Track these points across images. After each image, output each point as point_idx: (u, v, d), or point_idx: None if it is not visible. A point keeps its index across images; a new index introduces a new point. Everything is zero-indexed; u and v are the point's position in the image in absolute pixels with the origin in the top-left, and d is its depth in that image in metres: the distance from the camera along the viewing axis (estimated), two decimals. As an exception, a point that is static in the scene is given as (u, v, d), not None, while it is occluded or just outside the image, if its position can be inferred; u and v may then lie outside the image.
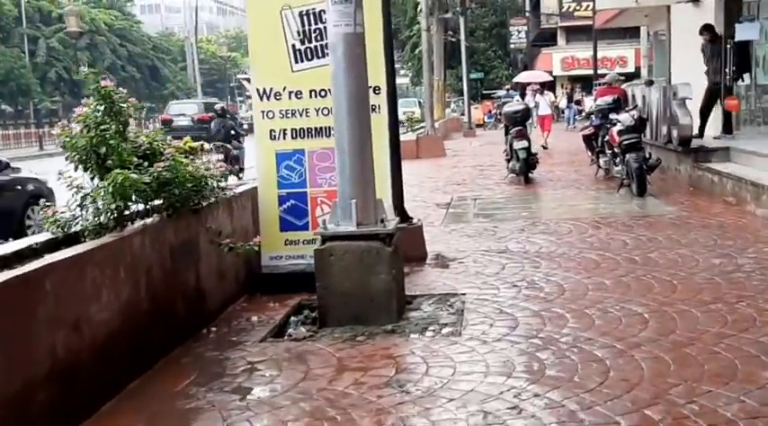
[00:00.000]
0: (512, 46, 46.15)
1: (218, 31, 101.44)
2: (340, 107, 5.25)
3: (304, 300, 5.77)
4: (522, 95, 23.78)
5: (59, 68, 50.82)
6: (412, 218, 7.31)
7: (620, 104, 11.90)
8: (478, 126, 34.44)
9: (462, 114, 41.17)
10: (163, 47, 61.73)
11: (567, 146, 21.06)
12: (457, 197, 11.65)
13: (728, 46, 11.46)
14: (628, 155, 10.43)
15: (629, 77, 36.37)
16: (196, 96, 63.28)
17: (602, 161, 12.48)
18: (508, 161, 13.31)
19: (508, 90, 37.33)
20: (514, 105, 13.38)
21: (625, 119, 10.75)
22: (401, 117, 30.86)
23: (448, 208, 10.47)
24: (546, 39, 44.06)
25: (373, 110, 6.24)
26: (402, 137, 20.85)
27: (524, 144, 12.65)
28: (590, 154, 13.41)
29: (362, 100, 5.26)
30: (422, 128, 20.38)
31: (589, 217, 8.98)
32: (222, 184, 5.40)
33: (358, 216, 5.18)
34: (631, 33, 40.48)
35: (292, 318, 5.54)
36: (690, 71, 12.53)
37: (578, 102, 23.02)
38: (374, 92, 6.25)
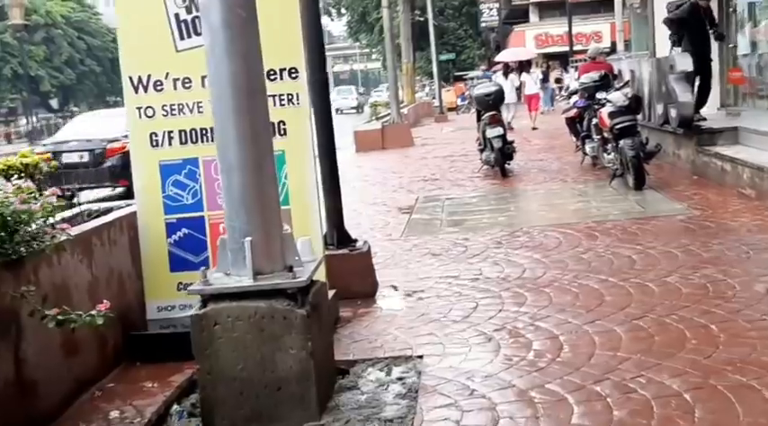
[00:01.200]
0: (483, 24, 44.37)
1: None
2: (220, 100, 3.50)
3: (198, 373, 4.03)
4: (506, 75, 22.03)
5: (14, 65, 48.32)
6: (355, 241, 5.57)
7: (608, 81, 10.20)
8: (451, 109, 32.71)
9: (434, 98, 39.49)
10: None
11: (546, 129, 19.39)
12: (423, 197, 9.93)
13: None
14: (622, 142, 8.75)
15: (608, 53, 34.86)
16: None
17: (588, 147, 10.81)
18: (481, 150, 11.60)
19: (485, 71, 35.59)
20: (486, 86, 11.61)
21: (617, 98, 9.06)
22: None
23: (411, 214, 8.74)
24: (518, 16, 42.29)
25: (289, 100, 4.54)
26: (366, 127, 19.13)
27: (499, 131, 10.95)
28: (574, 139, 11.74)
29: (254, 88, 3.51)
30: (388, 115, 18.60)
31: (581, 222, 7.30)
32: (53, 221, 3.61)
33: (255, 262, 3.45)
34: (606, 7, 38.96)
35: (174, 408, 3.82)
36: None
37: (558, 80, 21.29)
38: (289, 75, 4.54)
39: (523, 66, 25.23)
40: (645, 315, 4.46)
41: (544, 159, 12.78)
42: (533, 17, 42.58)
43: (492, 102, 11.15)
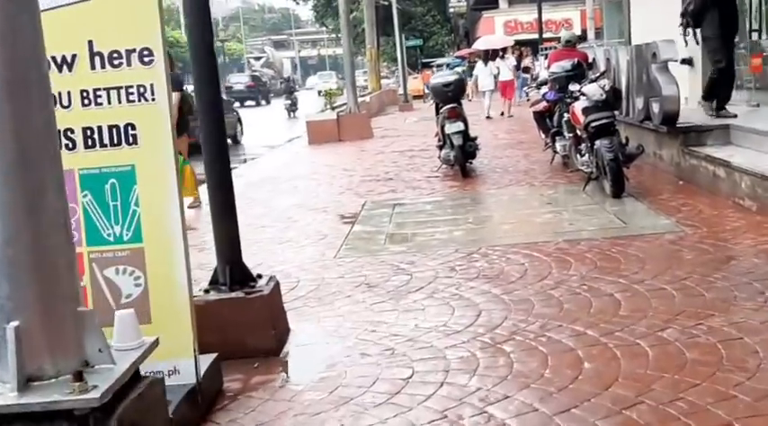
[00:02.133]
0: (451, 10, 43.12)
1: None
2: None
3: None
4: (485, 61, 20.97)
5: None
6: (255, 282, 4.22)
7: (581, 71, 8.94)
8: (417, 97, 31.41)
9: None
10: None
11: (513, 122, 18.16)
12: (371, 202, 8.60)
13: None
14: (598, 142, 7.50)
15: (580, 39, 33.71)
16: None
17: (559, 145, 9.56)
18: (440, 147, 10.28)
19: (457, 58, 34.36)
20: (444, 76, 10.22)
21: (592, 91, 7.79)
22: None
23: (354, 224, 7.42)
24: (487, 2, 40.91)
25: (141, 95, 3.20)
26: (320, 117, 17.73)
27: (459, 126, 9.64)
28: (543, 136, 10.47)
29: (22, 80, 2.16)
30: (343, 105, 17.20)
31: (551, 242, 6.02)
32: None
33: (28, 359, 2.11)
34: (576, -6, 38.08)
35: None
36: (656, 31, 9.61)
37: (527, 70, 20.00)
38: (141, 59, 3.19)
39: (497, 54, 24.04)
40: (639, 401, 3.19)
41: (510, 156, 11.51)
42: (503, 3, 41.29)
43: (451, 94, 9.81)
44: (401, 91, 28.10)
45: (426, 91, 34.76)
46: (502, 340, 4.01)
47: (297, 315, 4.70)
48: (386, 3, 32.11)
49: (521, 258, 5.60)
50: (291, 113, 30.09)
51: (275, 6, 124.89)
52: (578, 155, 8.36)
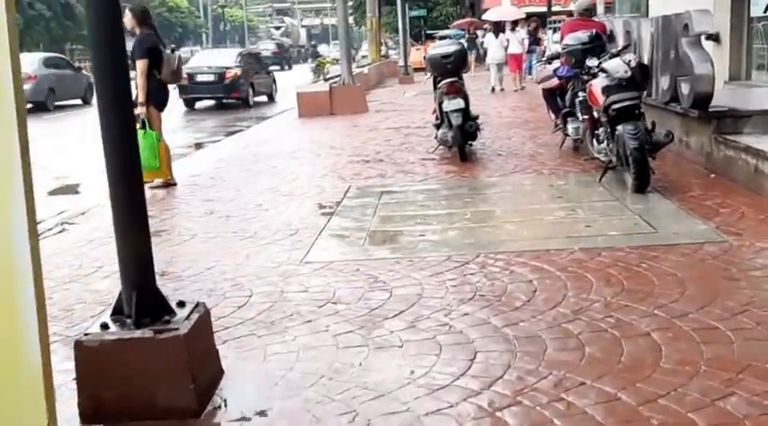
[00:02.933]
0: (457, -20, 41.49)
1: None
2: None
3: None
4: (496, 33, 19.79)
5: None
6: (172, 314, 3.10)
7: (600, 44, 7.76)
8: (419, 70, 30.09)
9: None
10: (76, -18, 55.15)
11: (519, 98, 16.96)
12: (356, 188, 7.49)
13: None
14: (620, 127, 6.36)
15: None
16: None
17: (571, 128, 8.41)
18: (437, 126, 9.11)
19: (464, 29, 32.90)
20: (443, 46, 8.93)
21: (615, 67, 6.62)
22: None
23: (331, 217, 6.30)
24: (494, -28, 39.38)
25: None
26: (311, 88, 16.50)
27: (459, 103, 8.48)
28: (553, 116, 9.31)
29: None
30: (338, 76, 15.98)
31: (564, 249, 4.90)
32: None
33: None
34: (587, -33, 36.55)
35: None
36: (677, 4, 8.38)
37: (538, 41, 18.76)
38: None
39: (504, 27, 22.77)
40: None
41: (515, 138, 10.36)
42: (510, -26, 39.76)
43: (451, 67, 8.60)
44: (402, 62, 26.73)
45: (428, 63, 33.47)
46: (503, 405, 2.92)
47: (238, 347, 3.61)
48: (389, -30, 30.64)
49: (528, 272, 4.49)
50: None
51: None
52: (595, 141, 7.22)
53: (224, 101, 20.28)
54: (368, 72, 23.15)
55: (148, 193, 7.81)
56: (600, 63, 7.09)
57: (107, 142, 2.94)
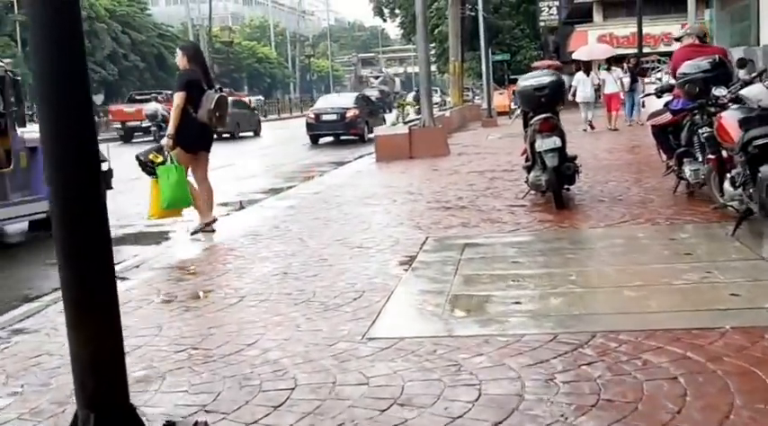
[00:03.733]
0: (541, 23, 40.31)
1: (243, 22, 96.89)
2: None
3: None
4: (587, 72, 18.72)
5: (56, 58, 46.06)
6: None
7: (727, 72, 6.48)
8: (502, 113, 28.94)
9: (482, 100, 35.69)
10: (170, 35, 56.70)
11: (615, 139, 15.57)
12: (435, 239, 6.34)
13: None
14: (765, 168, 5.03)
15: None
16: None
17: (688, 170, 7.08)
18: (528, 168, 7.91)
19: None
20: (537, 77, 7.67)
21: (758, 94, 5.31)
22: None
23: (404, 275, 5.16)
24: (580, 15, 38.12)
25: None
26: (390, 131, 15.52)
27: (554, 142, 7.27)
28: (665, 157, 7.96)
29: None
30: (417, 119, 14.98)
31: (712, 329, 3.58)
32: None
33: None
34: (677, 7, 34.88)
35: None
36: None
37: (641, 74, 17.36)
38: None
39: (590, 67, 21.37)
40: None
41: (617, 181, 9.04)
42: (597, 17, 38.40)
43: (545, 100, 7.40)
44: (485, 105, 25.65)
45: (513, 106, 32.34)
46: None
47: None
48: (473, 14, 29.78)
49: (668, 363, 3.22)
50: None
51: (365, 24, 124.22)
52: (726, 185, 5.87)
53: (342, 137, 23.24)
54: (450, 115, 22.15)
55: (193, 246, 6.91)
56: (730, 91, 5.81)
57: (61, 214, 1.90)
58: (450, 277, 5.02)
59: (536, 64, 35.89)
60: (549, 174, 7.30)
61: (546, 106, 7.43)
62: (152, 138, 24.02)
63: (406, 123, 14.72)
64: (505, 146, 15.19)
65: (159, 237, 8.21)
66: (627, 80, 17.87)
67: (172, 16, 65.65)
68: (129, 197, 10.51)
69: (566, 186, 7.58)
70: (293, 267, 5.65)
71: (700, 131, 6.68)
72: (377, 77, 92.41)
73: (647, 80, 18.83)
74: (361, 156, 17.25)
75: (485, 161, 12.67)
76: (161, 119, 24.35)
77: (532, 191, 7.95)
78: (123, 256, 6.77)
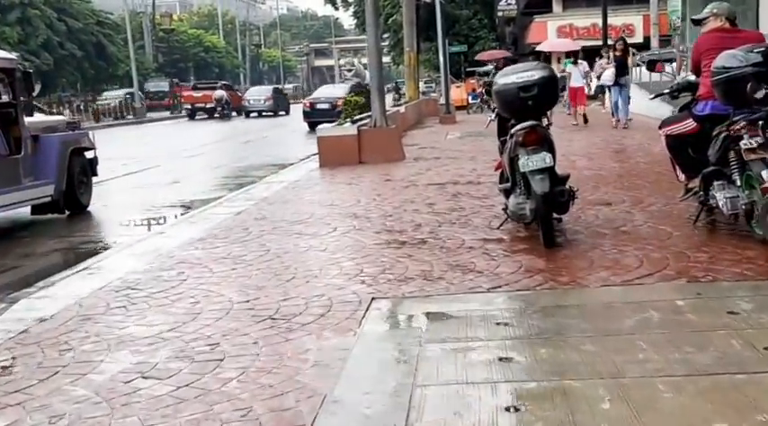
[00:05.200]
0: (499, 14, 38.68)
1: (191, 10, 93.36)
2: None
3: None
4: (575, 63, 17.33)
5: (-14, 46, 42.88)
6: None
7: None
8: (460, 108, 27.13)
9: (437, 93, 33.87)
10: (109, 23, 53.41)
11: (590, 140, 13.81)
12: (383, 304, 4.39)
13: None
14: None
15: (639, 48, 29.13)
16: (154, 77, 55.71)
17: (721, 196, 5.26)
18: (506, 192, 5.99)
19: (487, 63, 29.88)
20: (521, 71, 5.47)
21: None
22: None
23: (331, 390, 3.20)
24: (539, 6, 36.46)
25: None
26: (336, 131, 13.34)
27: (544, 159, 5.35)
28: (681, 176, 6.11)
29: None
30: (367, 117, 12.97)
31: None
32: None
33: None
34: (639, -3, 33.70)
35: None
36: None
37: (624, 69, 15.10)
38: None
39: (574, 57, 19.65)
40: None
41: (613, 202, 7.21)
42: (556, 7, 36.85)
43: (534, 104, 5.43)
44: (443, 100, 23.79)
45: (471, 100, 30.49)
46: None
47: None
48: (428, 1, 27.85)
49: None
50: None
51: (318, 13, 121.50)
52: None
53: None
54: (405, 110, 20.21)
55: None
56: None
57: None
58: (406, 392, 3.08)
59: (482, 55, 33.99)
60: (537, 202, 5.39)
61: (533, 111, 5.49)
62: (217, 116, 38.26)
63: (354, 122, 12.67)
64: (468, 149, 13.32)
65: None
66: (610, 71, 15.21)
67: (111, 3, 62.15)
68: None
69: (557, 217, 5.70)
70: (148, 361, 3.66)
71: (744, 144, 4.86)
72: (350, 70, 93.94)
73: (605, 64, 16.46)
74: (307, 158, 15.24)
75: (445, 169, 10.75)
76: (224, 101, 38.63)
77: (510, 220, 6.05)
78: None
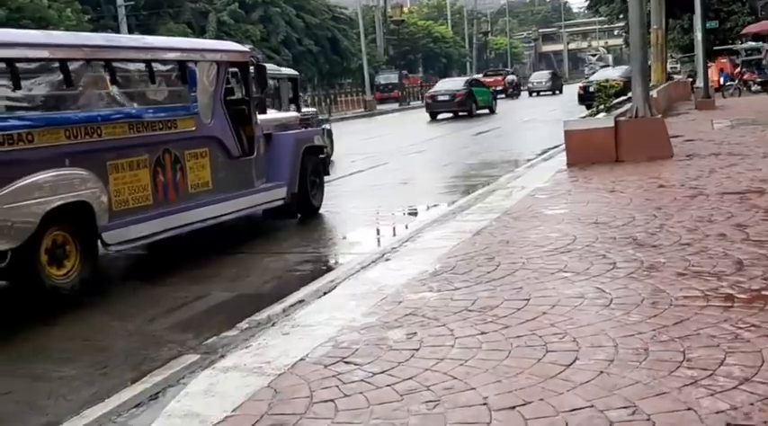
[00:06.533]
0: (756, -17, 33.49)
1: (421, 2, 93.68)
2: None
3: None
4: None
5: (232, 45, 45.10)
6: None
7: None
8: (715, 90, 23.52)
9: (690, 77, 29.93)
10: (344, 17, 54.35)
11: None
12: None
13: None
14: None
15: None
16: (384, 70, 56.16)
17: None
18: None
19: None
20: None
21: None
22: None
23: None
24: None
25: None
26: (586, 123, 10.68)
27: None
28: None
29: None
30: (624, 104, 10.69)
31: None
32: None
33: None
34: None
35: None
36: None
37: None
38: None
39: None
40: None
41: None
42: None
43: None
44: (699, 83, 20.53)
45: (723, 81, 26.56)
46: None
47: None
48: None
49: None
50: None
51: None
52: None
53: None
54: (656, 96, 17.43)
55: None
56: None
57: None
58: None
59: (750, 28, 29.59)
60: None
61: None
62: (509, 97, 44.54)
63: (608, 110, 10.48)
64: (752, 142, 10.64)
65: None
66: None
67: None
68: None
69: None
70: None
71: None
72: (594, 55, 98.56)
73: None
74: (543, 152, 13.27)
75: (736, 171, 8.30)
76: (514, 84, 48.53)
77: None
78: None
